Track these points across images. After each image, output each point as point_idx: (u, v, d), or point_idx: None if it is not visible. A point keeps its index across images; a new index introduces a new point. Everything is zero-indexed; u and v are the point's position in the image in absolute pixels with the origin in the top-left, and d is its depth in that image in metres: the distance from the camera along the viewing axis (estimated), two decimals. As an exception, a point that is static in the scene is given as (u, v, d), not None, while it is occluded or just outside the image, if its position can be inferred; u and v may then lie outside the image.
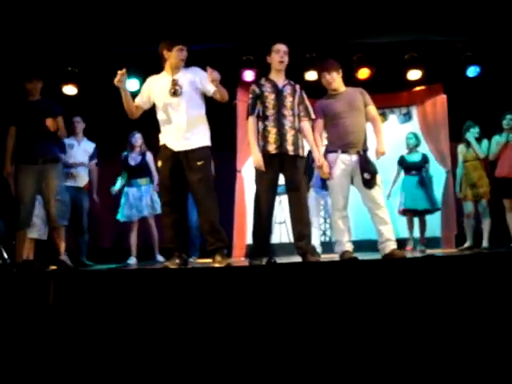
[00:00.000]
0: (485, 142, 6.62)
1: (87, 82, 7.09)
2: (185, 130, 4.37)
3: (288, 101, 4.59)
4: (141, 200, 6.51)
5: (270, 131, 4.52)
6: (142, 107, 4.61)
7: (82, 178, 6.46)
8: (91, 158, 6.51)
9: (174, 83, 4.39)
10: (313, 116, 4.72)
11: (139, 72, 7.28)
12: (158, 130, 4.65)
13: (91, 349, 3.23)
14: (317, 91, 6.27)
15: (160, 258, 6.51)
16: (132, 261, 6.48)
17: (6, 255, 6.07)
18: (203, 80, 4.41)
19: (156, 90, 4.49)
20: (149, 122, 6.68)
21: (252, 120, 4.59)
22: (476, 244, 6.58)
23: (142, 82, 7.20)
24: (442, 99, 7.70)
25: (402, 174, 7.09)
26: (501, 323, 3.15)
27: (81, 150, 6.45)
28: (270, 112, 4.55)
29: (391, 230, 4.52)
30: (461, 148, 6.79)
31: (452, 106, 7.63)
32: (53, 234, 5.07)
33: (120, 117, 7.32)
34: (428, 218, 7.09)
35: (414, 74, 7.51)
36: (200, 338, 3.26)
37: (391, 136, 7.52)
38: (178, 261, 4.36)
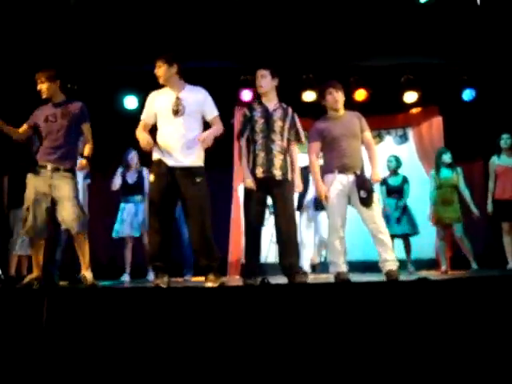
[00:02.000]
0: (458, 169, 6.70)
1: (84, 99, 7.12)
2: (183, 147, 4.30)
3: (277, 125, 4.62)
4: (137, 216, 6.52)
5: (258, 155, 4.56)
6: (149, 124, 4.47)
7: None
8: (85, 178, 6.40)
9: (178, 102, 4.35)
10: (303, 139, 4.76)
11: (137, 90, 7.36)
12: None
13: (84, 367, 3.21)
14: (314, 111, 6.33)
15: (151, 276, 6.47)
16: (126, 278, 6.45)
17: (0, 271, 6.04)
18: (207, 106, 4.44)
19: (159, 105, 4.42)
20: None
21: (241, 143, 4.67)
22: (460, 266, 6.61)
23: (140, 99, 7.36)
24: (437, 121, 7.78)
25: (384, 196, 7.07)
26: (494, 348, 3.15)
27: None
28: (259, 136, 4.60)
29: (390, 250, 4.51)
30: (433, 174, 6.82)
31: (448, 128, 7.70)
32: (74, 245, 4.59)
33: (114, 133, 7.43)
34: (423, 239, 7.13)
35: (410, 97, 7.61)
36: (192, 358, 3.24)
37: (387, 157, 7.55)
38: (166, 279, 4.27)
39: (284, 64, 7.02)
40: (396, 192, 7.02)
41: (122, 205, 6.63)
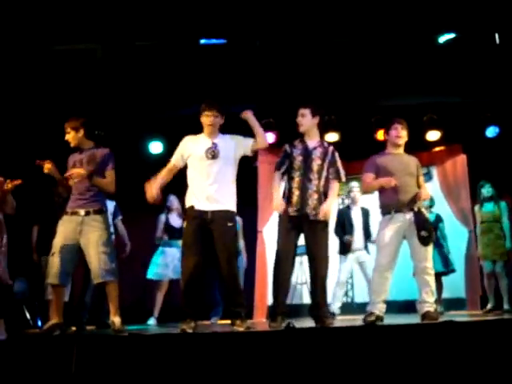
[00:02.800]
0: (501, 203, 6.62)
1: (111, 145, 7.29)
2: (216, 191, 4.36)
3: (315, 164, 4.59)
4: (179, 261, 6.57)
5: (293, 193, 4.55)
6: (177, 166, 4.59)
7: None
8: (114, 216, 6.45)
9: (214, 146, 4.43)
10: (343, 179, 4.72)
11: (162, 135, 7.53)
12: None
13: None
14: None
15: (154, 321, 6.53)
16: (152, 321, 6.47)
17: (28, 316, 6.11)
18: (242, 141, 4.52)
19: (192, 150, 4.50)
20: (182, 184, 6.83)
21: (277, 175, 4.66)
22: (498, 305, 6.47)
23: (165, 144, 7.52)
24: (461, 159, 7.73)
25: None
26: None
27: None
28: (296, 174, 4.58)
29: (431, 292, 4.51)
30: (476, 209, 6.79)
31: (472, 165, 7.66)
32: (106, 292, 4.53)
33: (139, 178, 7.55)
34: (452, 278, 7.02)
35: (433, 135, 7.60)
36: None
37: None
38: (193, 324, 4.24)
39: (305, 105, 7.16)
40: None
41: (162, 248, 6.69)
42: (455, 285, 7.29)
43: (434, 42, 6.22)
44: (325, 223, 4.58)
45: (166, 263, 6.59)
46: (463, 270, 7.25)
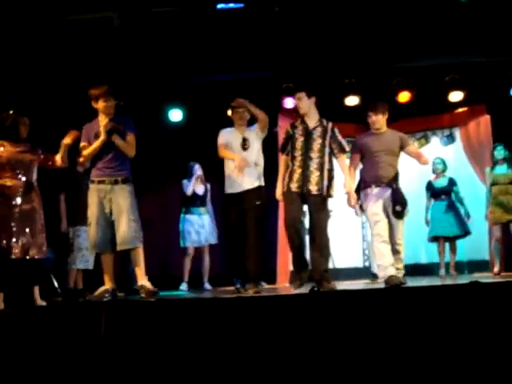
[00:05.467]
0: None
1: (130, 114, 7.30)
2: (247, 176, 5.02)
3: (317, 143, 4.89)
4: (203, 227, 6.67)
5: (295, 171, 4.89)
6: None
7: None
8: None
9: (245, 140, 5.11)
10: (347, 149, 5.05)
11: (182, 103, 7.51)
12: (213, 161, 5.34)
13: (142, 379, 3.29)
14: (357, 116, 6.28)
15: (208, 286, 6.63)
16: (184, 287, 6.58)
17: (56, 284, 6.23)
18: (255, 132, 5.17)
19: (229, 143, 5.14)
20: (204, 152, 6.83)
21: (282, 158, 5.10)
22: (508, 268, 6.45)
23: (185, 112, 7.51)
24: (485, 120, 7.59)
25: (432, 199, 7.05)
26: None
27: None
28: (298, 153, 4.91)
29: (400, 259, 4.92)
30: (487, 170, 6.70)
31: (496, 126, 7.52)
32: (131, 259, 4.74)
33: (160, 145, 7.57)
34: (476, 241, 7.02)
35: (455, 96, 7.44)
36: (248, 367, 3.29)
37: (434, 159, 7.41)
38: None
39: (326, 69, 7.06)
40: (444, 193, 6.92)
41: (184, 216, 6.78)
42: (478, 247, 7.26)
43: (456, 0, 6.05)
44: (324, 197, 4.89)
45: (190, 230, 6.66)
46: (486, 232, 7.19)
